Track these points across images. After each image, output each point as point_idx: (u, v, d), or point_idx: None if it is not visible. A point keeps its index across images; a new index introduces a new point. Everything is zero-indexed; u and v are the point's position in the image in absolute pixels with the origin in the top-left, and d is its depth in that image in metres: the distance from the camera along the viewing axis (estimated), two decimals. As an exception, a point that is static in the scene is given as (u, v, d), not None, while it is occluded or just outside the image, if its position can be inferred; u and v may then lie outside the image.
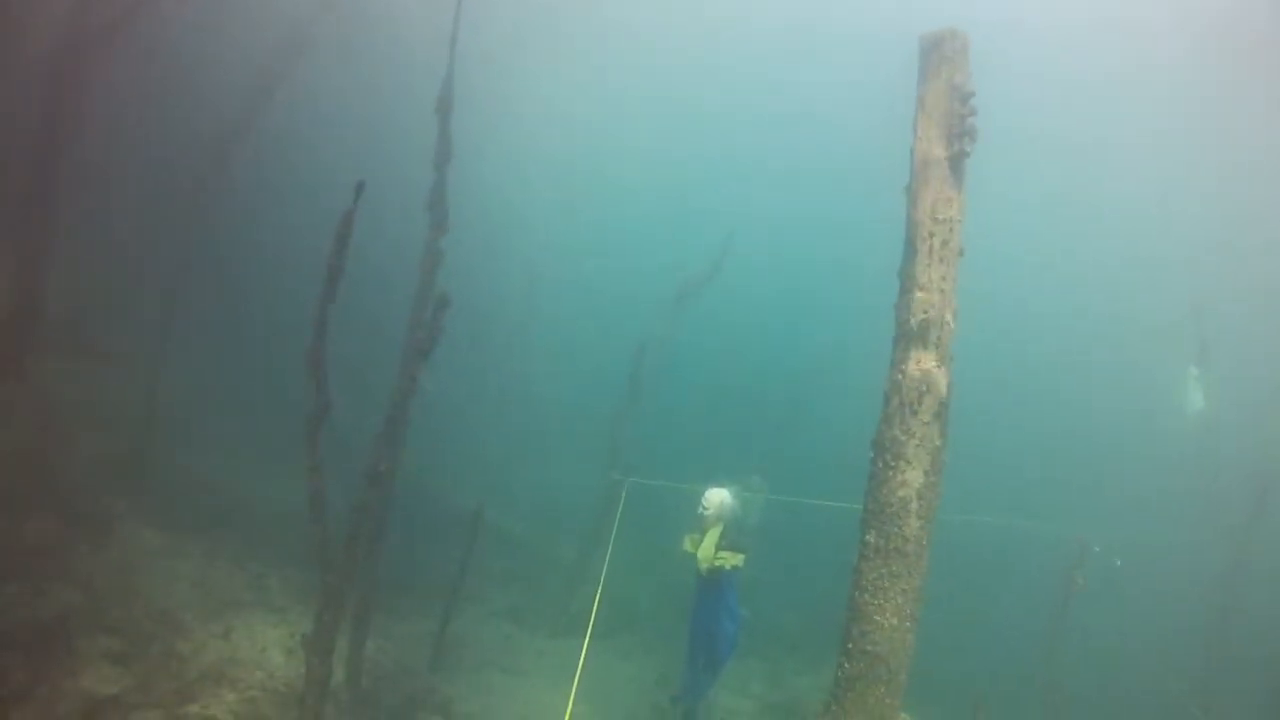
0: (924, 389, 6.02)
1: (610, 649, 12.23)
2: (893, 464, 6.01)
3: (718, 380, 23.98)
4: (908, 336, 6.10)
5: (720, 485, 8.84)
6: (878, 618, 6.01)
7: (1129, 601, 14.97)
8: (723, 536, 8.38)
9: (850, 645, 6.11)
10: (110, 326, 12.93)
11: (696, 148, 31.64)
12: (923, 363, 6.05)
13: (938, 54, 6.42)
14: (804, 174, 30.88)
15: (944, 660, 9.67)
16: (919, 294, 6.13)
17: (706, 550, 8.30)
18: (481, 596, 13.20)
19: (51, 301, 12.04)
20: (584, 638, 12.20)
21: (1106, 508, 16.59)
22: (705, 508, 8.49)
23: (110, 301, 13.03)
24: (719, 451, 17.29)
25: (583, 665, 7.13)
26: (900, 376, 6.09)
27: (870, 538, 6.06)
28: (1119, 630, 14.81)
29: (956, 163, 6.37)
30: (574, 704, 6.68)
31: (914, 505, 5.99)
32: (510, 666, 10.68)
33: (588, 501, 14.18)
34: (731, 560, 8.30)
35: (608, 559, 9.39)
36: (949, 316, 6.18)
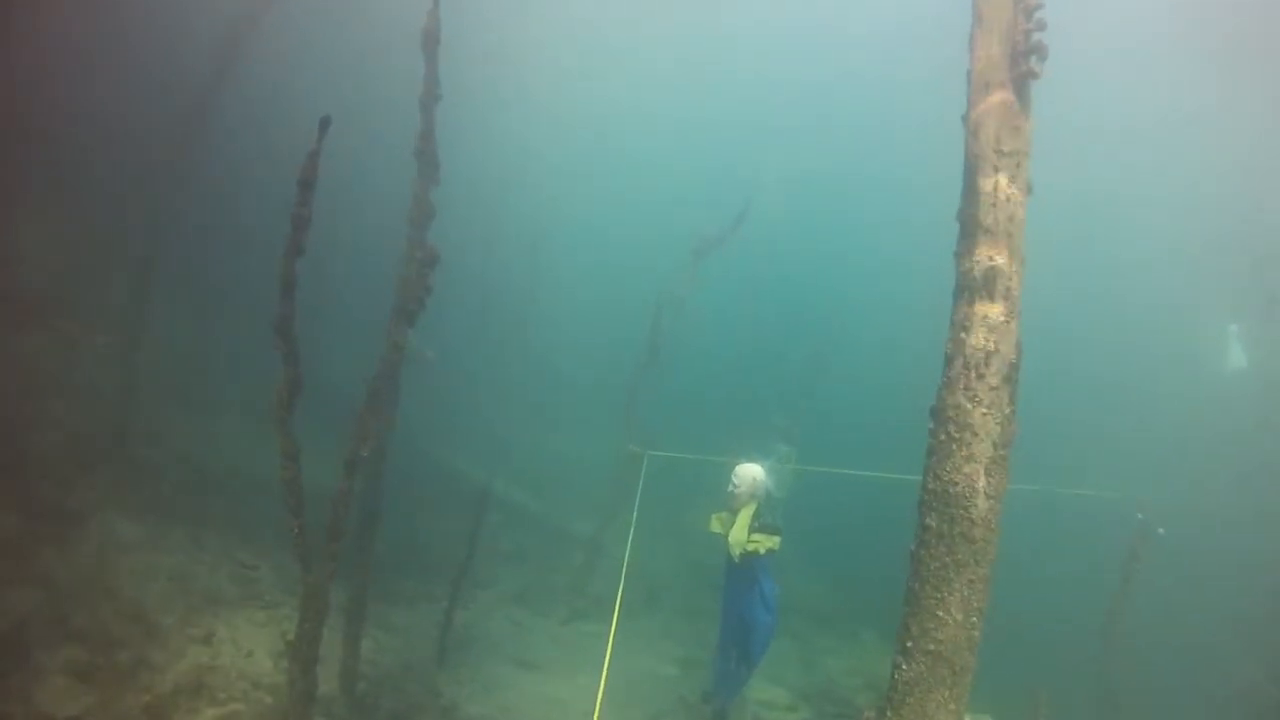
0: (991, 348, 5.28)
1: (631, 634, 11.60)
2: (957, 436, 5.29)
3: (739, 343, 23.30)
4: (971, 288, 5.35)
5: (751, 460, 8.13)
6: (940, 613, 5.31)
7: (1195, 578, 14.28)
8: (755, 518, 7.68)
9: (909, 644, 5.41)
10: (84, 294, 12.25)
11: (716, 95, 30.51)
12: (989, 318, 5.30)
13: (997, -42, 5.63)
14: (831, 122, 29.82)
15: (996, 644, 9.04)
16: (984, 238, 5.36)
17: (738, 534, 7.61)
18: (491, 579, 12.62)
19: (19, 271, 11.42)
20: (601, 622, 11.70)
21: (1152, 473, 15.82)
22: (735, 485, 7.79)
23: (83, 267, 12.35)
24: (742, 417, 16.66)
25: (609, 662, 6.48)
26: (963, 335, 5.35)
27: (931, 521, 5.35)
28: (1186, 609, 14.13)
29: (1022, 86, 5.59)
30: (591, 698, 6.03)
31: (981, 483, 5.27)
32: (523, 659, 10.06)
33: (604, 473, 13.56)
34: (766, 544, 7.62)
35: (630, 539, 8.70)
36: (1018, 264, 5.42)
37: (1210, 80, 22.21)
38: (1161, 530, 11.96)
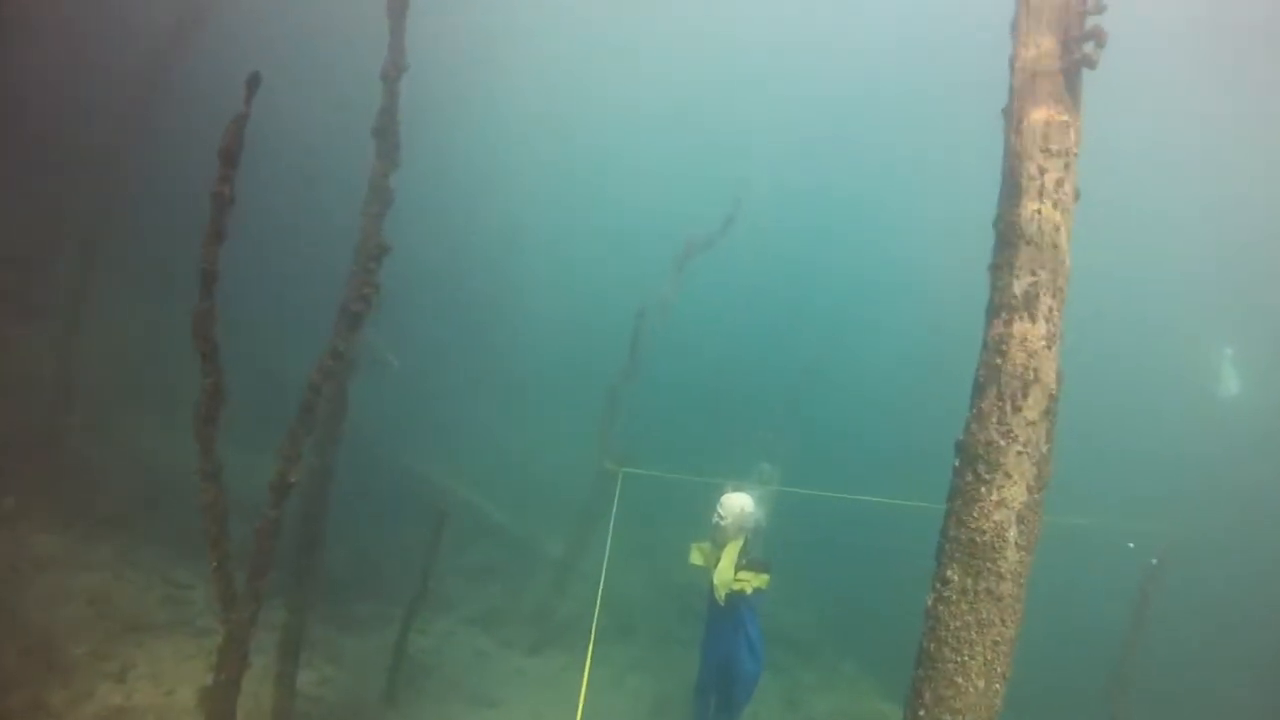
0: (1030, 377, 4.66)
1: (602, 665, 10.85)
2: (988, 477, 4.64)
3: (729, 354, 22.63)
4: (1010, 307, 4.70)
5: (736, 486, 7.41)
6: (960, 679, 4.68)
7: (1194, 608, 13.80)
8: (742, 553, 6.95)
9: (921, 714, 4.76)
10: (17, 279, 11.38)
11: (708, 82, 29.71)
12: (1029, 342, 4.65)
13: (1047, -70, 5.00)
14: (833, 114, 29.15)
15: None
16: (1026, 250, 4.72)
17: (724, 573, 6.87)
18: (453, 600, 11.83)
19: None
20: (570, 651, 10.97)
21: (1144, 500, 15.37)
22: (722, 517, 7.05)
23: (16, 249, 11.48)
24: (728, 432, 16.05)
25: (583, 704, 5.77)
26: (999, 360, 4.69)
27: (953, 574, 4.70)
28: (1182, 635, 13.64)
29: (1073, 76, 4.95)
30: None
31: (1012, 532, 4.65)
32: (482, 694, 9.28)
33: (579, 486, 12.83)
34: (754, 582, 6.90)
35: (605, 566, 7.96)
36: (1062, 280, 4.77)
37: (1220, 98, 21.78)
38: (1154, 560, 11.57)
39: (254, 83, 3.79)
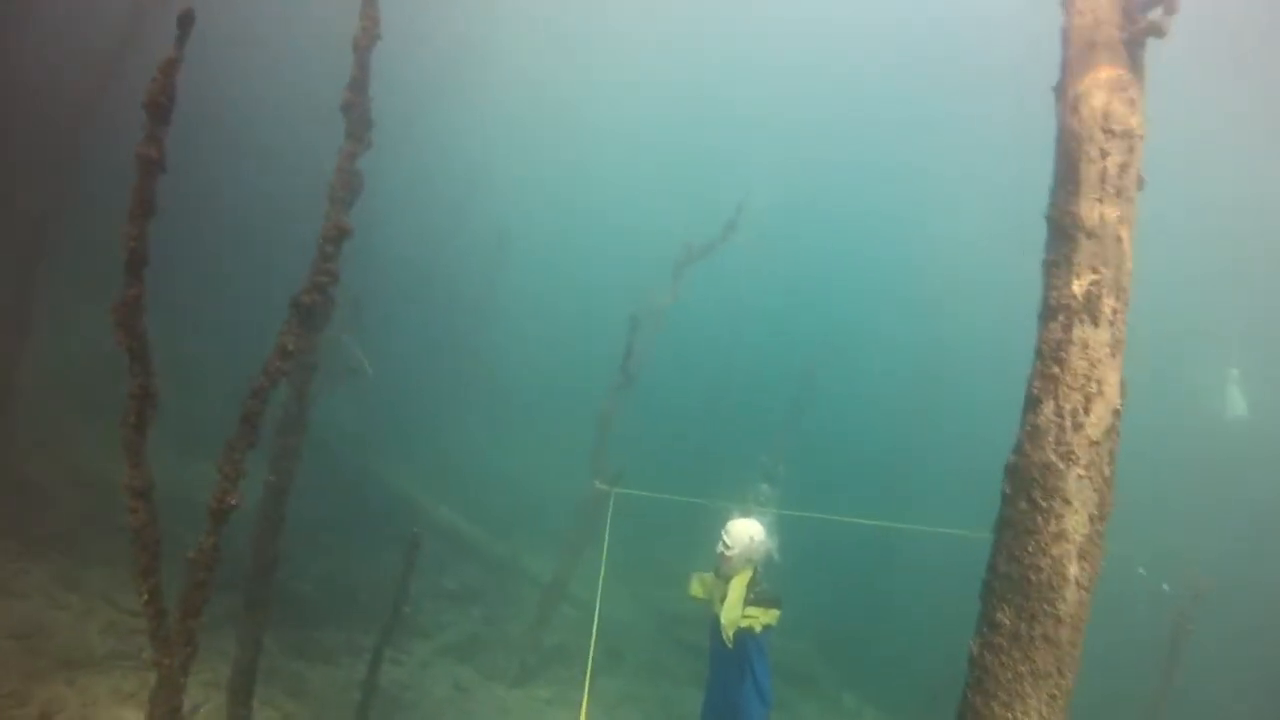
0: (1093, 389, 4.14)
1: (591, 698, 10.19)
2: (1045, 504, 4.10)
3: (723, 365, 22.16)
4: (1068, 309, 4.17)
5: (746, 513, 6.80)
6: None
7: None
8: (750, 587, 6.32)
9: (968, 778, 4.19)
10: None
11: (707, 81, 29.30)
12: (1091, 349, 4.12)
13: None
14: (834, 123, 28.83)
15: None
16: (1086, 244, 4.19)
17: (731, 610, 6.23)
18: (432, 627, 11.22)
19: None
20: (557, 685, 10.39)
21: (1152, 523, 14.98)
22: (728, 546, 6.41)
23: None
24: (723, 448, 15.61)
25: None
26: (1057, 370, 4.16)
27: (1003, 617, 4.16)
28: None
29: (1137, 46, 4.42)
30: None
31: (1073, 569, 4.12)
32: (460, 735, 8.62)
33: (566, 505, 12.31)
34: (763, 619, 6.28)
35: (600, 593, 7.36)
36: (1126, 279, 4.23)
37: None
38: (1166, 586, 11.19)
39: (187, 22, 3.20)
